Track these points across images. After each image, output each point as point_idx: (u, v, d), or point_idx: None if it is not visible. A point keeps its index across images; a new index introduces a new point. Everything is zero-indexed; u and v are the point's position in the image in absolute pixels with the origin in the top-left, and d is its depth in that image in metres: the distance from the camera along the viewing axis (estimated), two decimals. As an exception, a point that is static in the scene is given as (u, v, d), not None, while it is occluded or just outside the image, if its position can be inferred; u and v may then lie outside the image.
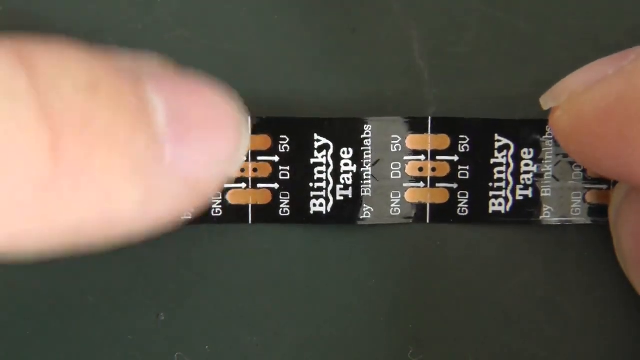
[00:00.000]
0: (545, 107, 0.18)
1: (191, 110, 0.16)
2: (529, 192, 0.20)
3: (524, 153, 0.20)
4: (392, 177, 0.20)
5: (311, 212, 0.20)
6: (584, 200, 0.20)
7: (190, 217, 0.19)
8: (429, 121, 0.20)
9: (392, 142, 0.20)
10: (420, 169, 0.20)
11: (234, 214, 0.20)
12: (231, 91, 0.16)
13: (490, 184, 0.20)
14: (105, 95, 0.15)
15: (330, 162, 0.20)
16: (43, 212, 0.14)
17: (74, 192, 0.14)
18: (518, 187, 0.20)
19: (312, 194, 0.20)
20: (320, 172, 0.20)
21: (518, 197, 0.20)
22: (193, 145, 0.16)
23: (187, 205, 0.16)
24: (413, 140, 0.20)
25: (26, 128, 0.14)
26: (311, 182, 0.20)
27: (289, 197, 0.20)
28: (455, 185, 0.20)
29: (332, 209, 0.20)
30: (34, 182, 0.14)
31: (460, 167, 0.20)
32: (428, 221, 0.20)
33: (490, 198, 0.20)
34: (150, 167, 0.15)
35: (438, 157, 0.20)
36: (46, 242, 0.15)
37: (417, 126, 0.20)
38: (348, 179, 0.20)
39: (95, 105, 0.14)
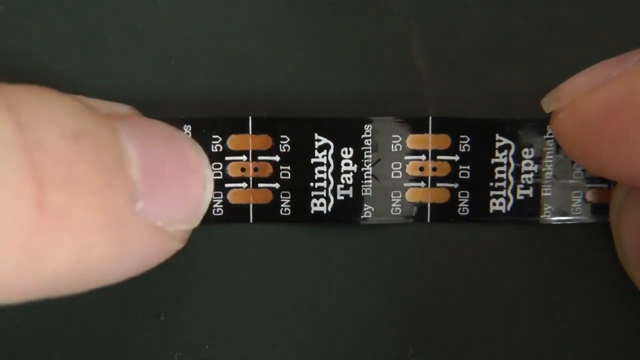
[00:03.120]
0: (547, 110, 0.18)
1: (162, 160, 0.16)
2: (530, 192, 0.20)
3: (525, 153, 0.20)
4: (392, 176, 0.20)
5: (312, 211, 0.20)
6: (584, 199, 0.20)
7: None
8: (430, 121, 0.20)
9: (393, 141, 0.20)
10: (421, 169, 0.20)
11: (234, 213, 0.20)
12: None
13: (491, 184, 0.20)
14: (87, 145, 0.15)
15: (331, 161, 0.20)
16: (23, 263, 0.14)
17: (54, 245, 0.14)
18: (519, 186, 0.20)
19: (313, 193, 0.20)
20: (320, 172, 0.20)
21: (519, 197, 0.20)
22: (164, 195, 0.16)
23: (158, 251, 0.17)
24: (414, 140, 0.20)
25: (13, 181, 0.14)
26: (312, 181, 0.20)
27: (289, 197, 0.20)
28: (456, 185, 0.20)
29: (332, 208, 0.20)
30: (17, 234, 0.14)
31: (461, 167, 0.20)
32: (429, 221, 0.20)
33: (490, 198, 0.20)
34: (124, 220, 0.15)
35: (439, 157, 0.20)
36: (25, 291, 0.15)
37: (417, 126, 0.20)
38: (349, 178, 0.20)
39: (78, 155, 0.15)
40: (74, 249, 0.15)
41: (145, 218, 0.16)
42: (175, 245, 0.17)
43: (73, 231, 0.14)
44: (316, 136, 0.20)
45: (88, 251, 0.15)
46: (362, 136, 0.20)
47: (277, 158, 0.20)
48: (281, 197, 0.20)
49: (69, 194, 0.14)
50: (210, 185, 0.17)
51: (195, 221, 0.17)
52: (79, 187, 0.14)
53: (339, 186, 0.20)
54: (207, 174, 0.17)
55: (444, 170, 0.20)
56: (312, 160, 0.20)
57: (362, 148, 0.20)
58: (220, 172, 0.20)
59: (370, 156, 0.20)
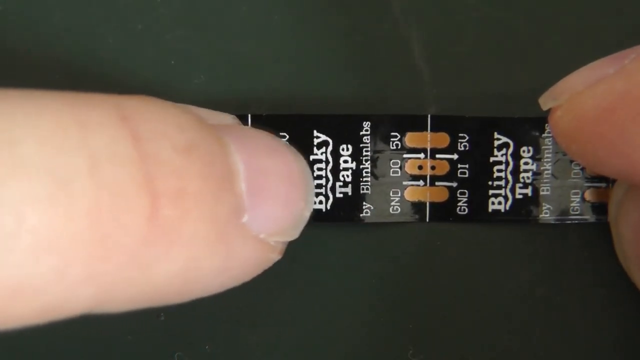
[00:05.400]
0: (544, 108, 0.18)
1: (267, 173, 0.17)
2: (529, 191, 0.20)
3: (523, 151, 0.20)
4: (391, 174, 0.20)
5: None
6: (583, 198, 0.20)
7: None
8: (429, 119, 0.20)
9: (392, 139, 0.20)
10: (420, 167, 0.20)
11: None
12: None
13: (490, 183, 0.20)
14: (199, 159, 0.15)
15: (330, 158, 0.20)
16: (133, 273, 0.14)
17: (164, 258, 0.15)
18: (517, 185, 0.20)
19: None
20: (319, 169, 0.20)
21: (517, 196, 0.20)
22: (268, 208, 0.17)
23: (259, 263, 0.17)
24: (412, 138, 0.20)
25: (129, 193, 0.14)
26: None
27: (288, 195, 0.20)
28: (454, 184, 0.20)
29: (331, 206, 0.20)
30: (129, 244, 0.14)
31: (459, 166, 0.20)
32: (427, 220, 0.20)
33: (489, 196, 0.20)
34: (230, 233, 0.16)
35: (437, 155, 0.20)
36: (131, 300, 0.15)
37: (416, 124, 0.20)
38: (347, 176, 0.20)
39: (190, 169, 0.15)
40: (182, 262, 0.15)
41: (249, 230, 0.16)
42: (275, 256, 0.17)
43: (182, 244, 0.15)
44: (315, 133, 0.20)
45: (195, 264, 0.15)
46: (361, 133, 0.20)
47: None
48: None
49: (180, 208, 0.15)
50: (312, 198, 0.18)
51: (296, 233, 0.18)
52: (189, 201, 0.15)
53: (337, 184, 0.20)
54: (309, 187, 0.18)
55: (443, 168, 0.20)
56: (311, 157, 0.20)
57: (361, 145, 0.20)
58: None
59: (369, 154, 0.20)
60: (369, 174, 0.20)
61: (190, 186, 0.15)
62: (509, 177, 0.20)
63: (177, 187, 0.15)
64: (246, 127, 0.19)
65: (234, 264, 0.16)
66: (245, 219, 0.16)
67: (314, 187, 0.18)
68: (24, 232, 0.13)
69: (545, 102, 0.18)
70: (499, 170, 0.20)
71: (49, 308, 0.14)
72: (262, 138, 0.17)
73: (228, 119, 0.19)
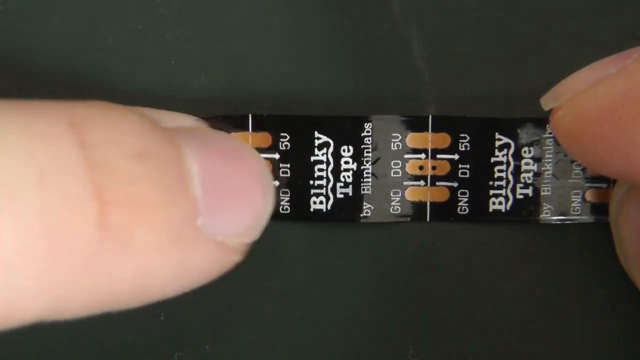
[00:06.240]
0: (546, 108, 0.18)
1: (223, 175, 0.17)
2: (529, 191, 0.20)
3: (524, 152, 0.20)
4: (392, 175, 0.20)
5: (311, 209, 0.20)
6: (583, 198, 0.20)
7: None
8: (430, 119, 0.20)
9: (393, 140, 0.20)
10: (421, 168, 0.20)
11: None
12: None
13: (491, 183, 0.20)
14: (151, 165, 0.15)
15: (331, 159, 0.20)
16: (83, 281, 0.14)
17: (115, 264, 0.15)
18: (518, 185, 0.20)
19: (312, 191, 0.20)
20: (320, 170, 0.20)
21: (518, 196, 0.20)
22: (224, 210, 0.16)
23: (217, 265, 0.17)
24: (413, 139, 0.20)
25: (77, 200, 0.14)
26: (311, 179, 0.20)
27: (289, 195, 0.20)
28: (455, 184, 0.20)
29: (332, 206, 0.20)
30: (79, 251, 0.14)
31: (460, 166, 0.20)
32: (428, 220, 0.20)
33: (490, 197, 0.20)
34: (185, 237, 0.16)
35: (438, 156, 0.20)
36: (83, 307, 0.15)
37: (417, 124, 0.20)
38: (348, 176, 0.20)
39: (141, 176, 0.15)
40: (135, 268, 0.15)
41: (205, 234, 0.16)
42: (235, 258, 0.17)
43: (134, 251, 0.15)
44: (316, 134, 0.20)
45: (148, 269, 0.15)
46: (362, 134, 0.20)
47: (276, 156, 0.20)
48: (280, 194, 0.20)
49: (131, 215, 0.15)
50: (270, 199, 0.18)
51: (255, 234, 0.17)
52: (141, 207, 0.15)
53: (338, 184, 0.20)
54: (268, 187, 0.17)
55: (444, 169, 0.20)
56: (312, 158, 0.20)
57: (362, 146, 0.20)
58: None
59: (370, 154, 0.20)
60: (369, 175, 0.20)
61: (141, 192, 0.15)
62: (510, 177, 0.20)
63: (126, 193, 0.15)
64: (205, 128, 0.19)
65: (190, 267, 0.16)
66: (200, 222, 0.16)
67: (272, 188, 0.18)
68: None
69: (547, 102, 0.18)
70: (500, 171, 0.20)
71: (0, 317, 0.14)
72: (220, 140, 0.17)
73: (188, 120, 0.19)
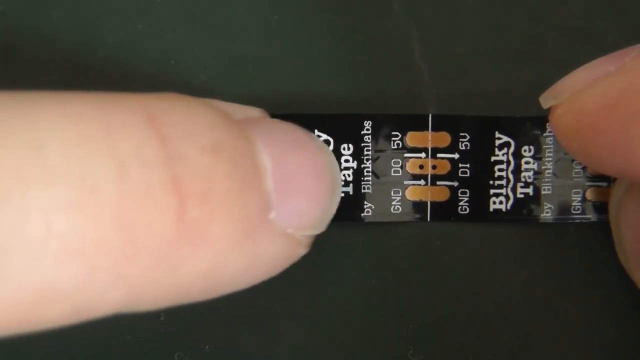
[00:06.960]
0: (545, 106, 0.18)
1: (294, 168, 0.17)
2: (530, 190, 0.20)
3: (525, 151, 0.20)
4: (392, 174, 0.20)
5: None
6: (584, 197, 0.20)
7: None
8: (430, 118, 0.20)
9: (393, 138, 0.20)
10: (421, 167, 0.20)
11: None
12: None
13: (491, 182, 0.20)
14: (226, 158, 0.15)
15: None
16: (159, 275, 0.15)
17: (191, 258, 0.15)
18: (518, 184, 0.20)
19: None
20: None
21: (519, 195, 0.20)
22: (294, 203, 0.17)
23: (286, 258, 0.17)
24: (413, 138, 0.20)
25: (156, 195, 0.14)
26: None
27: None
28: (455, 183, 0.20)
29: None
30: (157, 246, 0.14)
31: (460, 165, 0.20)
32: (429, 219, 0.20)
33: (490, 196, 0.20)
34: (258, 230, 0.16)
35: (438, 155, 0.20)
36: (158, 300, 0.15)
37: (417, 123, 0.20)
38: (348, 175, 0.20)
39: (217, 169, 0.15)
40: (210, 261, 0.15)
41: (276, 227, 0.16)
42: (302, 250, 0.17)
43: (209, 245, 0.15)
44: (316, 132, 0.20)
45: (222, 263, 0.15)
46: (362, 132, 0.20)
47: None
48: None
49: (207, 209, 0.15)
50: (338, 191, 0.18)
51: (323, 226, 0.18)
52: (216, 201, 0.15)
53: None
54: (336, 179, 0.18)
55: (444, 168, 0.20)
56: None
57: (362, 144, 0.20)
58: None
59: (370, 153, 0.20)
60: (370, 174, 0.20)
61: (218, 186, 0.15)
62: (510, 176, 0.20)
63: (204, 187, 0.15)
64: (273, 120, 0.19)
65: (261, 260, 0.16)
66: (272, 215, 0.16)
67: (340, 180, 0.18)
68: (51, 237, 0.13)
69: (546, 100, 0.18)
70: (500, 170, 0.20)
71: (79, 310, 0.14)
72: (289, 132, 0.17)
73: (255, 112, 0.19)
